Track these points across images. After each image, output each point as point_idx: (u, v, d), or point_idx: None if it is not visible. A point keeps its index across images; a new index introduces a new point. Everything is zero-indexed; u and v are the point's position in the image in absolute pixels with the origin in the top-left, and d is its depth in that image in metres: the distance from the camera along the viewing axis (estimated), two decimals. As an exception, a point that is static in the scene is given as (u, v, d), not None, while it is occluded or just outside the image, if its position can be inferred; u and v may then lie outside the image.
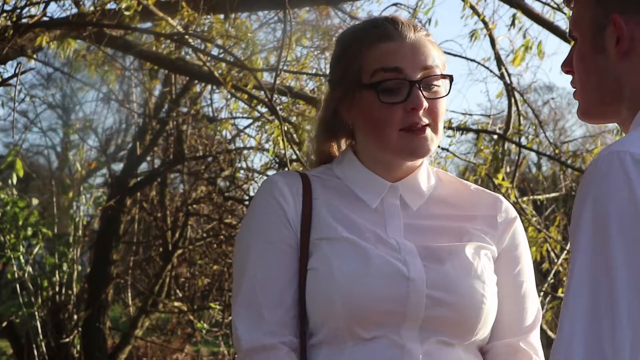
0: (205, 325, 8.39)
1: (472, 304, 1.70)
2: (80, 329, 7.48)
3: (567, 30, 1.56)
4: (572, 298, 1.25)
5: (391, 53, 1.76)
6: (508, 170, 5.95)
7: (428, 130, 1.75)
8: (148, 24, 5.06)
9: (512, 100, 5.71)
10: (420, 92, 1.74)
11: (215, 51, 5.06)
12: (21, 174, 6.80)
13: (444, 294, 1.69)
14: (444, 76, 1.78)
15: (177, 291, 8.87)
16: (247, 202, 8.39)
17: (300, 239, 1.74)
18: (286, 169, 6.36)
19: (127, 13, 4.36)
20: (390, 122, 1.74)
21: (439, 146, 1.84)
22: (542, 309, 4.08)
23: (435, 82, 1.77)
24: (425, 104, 1.74)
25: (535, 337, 1.80)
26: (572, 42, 1.51)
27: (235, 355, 1.76)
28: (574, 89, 1.51)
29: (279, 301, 1.70)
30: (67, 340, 7.28)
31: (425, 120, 1.75)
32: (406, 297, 1.67)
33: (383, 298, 1.67)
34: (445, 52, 5.16)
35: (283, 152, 5.37)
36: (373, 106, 1.75)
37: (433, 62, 1.77)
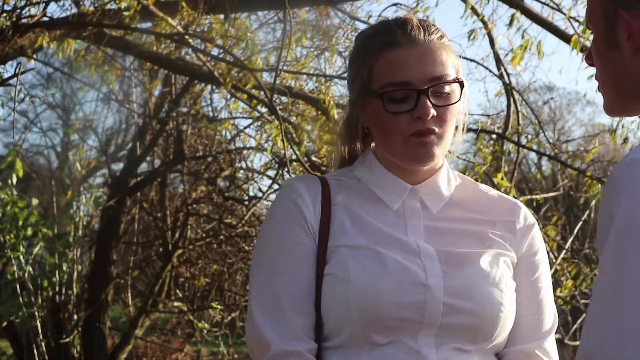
0: (206, 325, 8.40)
1: (490, 311, 1.69)
2: (80, 329, 7.47)
3: (584, 23, 1.53)
4: (593, 303, 1.26)
5: (399, 62, 1.72)
6: (507, 169, 5.95)
7: (433, 136, 1.73)
8: (148, 24, 5.06)
9: (511, 99, 5.72)
10: (427, 101, 1.71)
11: (215, 51, 5.06)
12: (21, 174, 6.80)
13: (461, 302, 1.68)
14: (453, 81, 1.74)
15: (177, 291, 8.88)
16: (247, 202, 8.40)
17: (318, 244, 1.73)
18: (286, 168, 6.37)
19: (127, 13, 4.36)
20: (396, 130, 1.72)
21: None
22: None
23: (446, 88, 1.74)
24: (433, 112, 1.71)
25: (550, 343, 1.79)
26: (592, 34, 1.47)
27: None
28: (598, 83, 1.48)
29: (301, 305, 1.70)
30: (67, 340, 7.27)
31: (433, 127, 1.72)
32: (423, 304, 1.66)
33: (399, 305, 1.66)
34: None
35: (283, 152, 5.38)
36: (381, 113, 1.74)
37: (443, 69, 1.73)
